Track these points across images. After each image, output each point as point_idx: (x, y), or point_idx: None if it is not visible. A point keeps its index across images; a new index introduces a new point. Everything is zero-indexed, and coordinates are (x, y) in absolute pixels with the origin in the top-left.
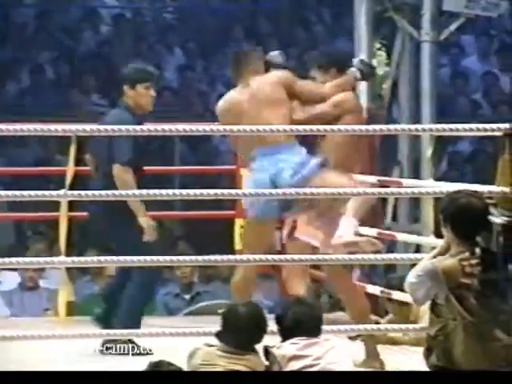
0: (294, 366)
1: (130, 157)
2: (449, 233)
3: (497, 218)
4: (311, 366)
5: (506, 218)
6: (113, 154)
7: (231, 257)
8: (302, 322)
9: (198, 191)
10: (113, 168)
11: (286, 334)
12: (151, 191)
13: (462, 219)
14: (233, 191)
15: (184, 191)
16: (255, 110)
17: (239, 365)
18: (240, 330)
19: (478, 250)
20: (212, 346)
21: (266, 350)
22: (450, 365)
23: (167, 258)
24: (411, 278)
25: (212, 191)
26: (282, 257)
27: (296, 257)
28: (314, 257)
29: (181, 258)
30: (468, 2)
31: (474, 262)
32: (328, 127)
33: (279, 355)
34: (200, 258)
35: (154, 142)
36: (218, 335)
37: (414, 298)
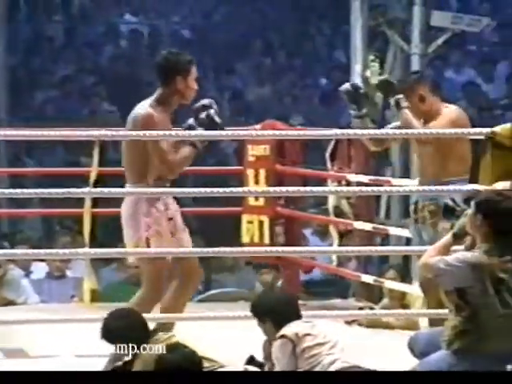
0: (308, 342)
1: None
2: (483, 229)
3: None
4: (323, 343)
5: None
6: None
7: (239, 249)
8: (292, 305)
9: (211, 189)
10: None
11: (281, 320)
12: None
13: (502, 217)
14: (241, 189)
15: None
16: None
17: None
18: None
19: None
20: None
21: (281, 336)
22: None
23: (181, 249)
24: (440, 263)
25: (222, 189)
26: (284, 249)
27: (296, 248)
28: (314, 248)
29: (194, 250)
30: (453, 18)
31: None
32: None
33: (291, 333)
34: (210, 249)
35: None
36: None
37: (440, 281)
